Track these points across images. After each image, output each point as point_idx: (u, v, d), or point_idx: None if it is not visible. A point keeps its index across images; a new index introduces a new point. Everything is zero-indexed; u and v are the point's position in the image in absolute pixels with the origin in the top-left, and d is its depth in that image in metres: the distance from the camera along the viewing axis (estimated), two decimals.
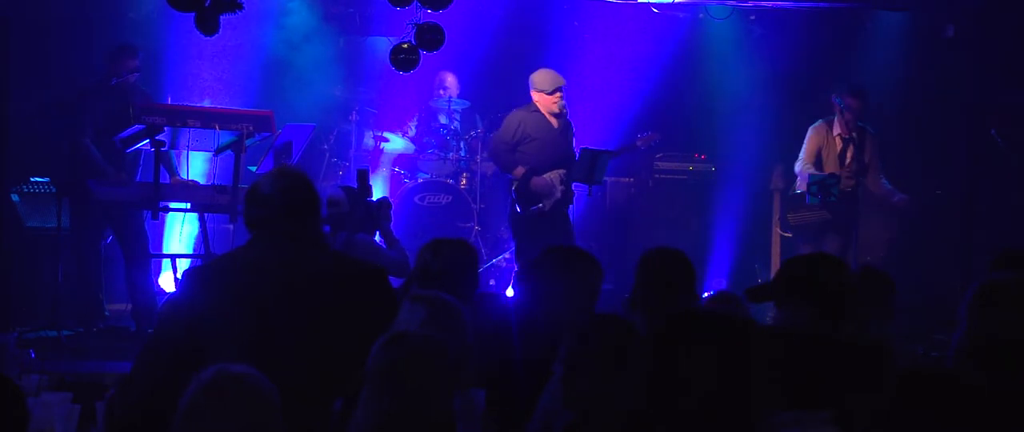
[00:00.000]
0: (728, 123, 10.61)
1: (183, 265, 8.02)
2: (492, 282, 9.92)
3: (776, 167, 9.67)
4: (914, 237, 9.76)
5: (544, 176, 8.53)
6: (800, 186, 8.98)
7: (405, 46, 7.86)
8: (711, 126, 10.66)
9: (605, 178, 9.17)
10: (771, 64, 10.44)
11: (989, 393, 2.52)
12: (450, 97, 10.33)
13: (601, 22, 10.53)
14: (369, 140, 10.23)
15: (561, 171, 8.57)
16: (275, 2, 10.07)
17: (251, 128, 7.44)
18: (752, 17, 10.42)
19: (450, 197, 9.93)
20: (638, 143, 9.15)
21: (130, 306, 8.20)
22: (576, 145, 8.76)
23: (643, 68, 10.56)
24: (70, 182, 7.93)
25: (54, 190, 8.24)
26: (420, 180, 10.11)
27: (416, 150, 10.32)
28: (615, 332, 3.41)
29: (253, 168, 8.04)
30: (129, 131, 7.44)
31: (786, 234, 9.29)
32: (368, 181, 6.75)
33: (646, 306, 4.51)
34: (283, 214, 3.71)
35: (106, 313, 8.42)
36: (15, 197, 8.48)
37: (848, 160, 8.92)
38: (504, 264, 10.00)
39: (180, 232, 9.06)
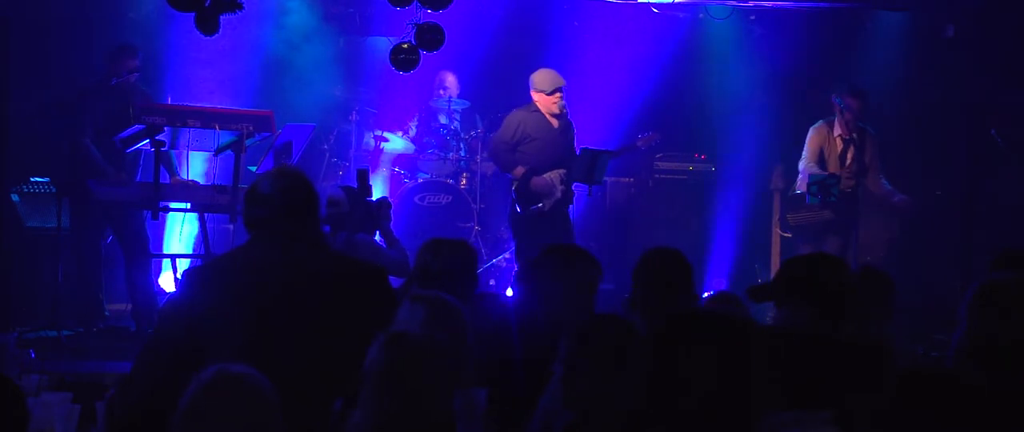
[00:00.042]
0: (728, 123, 10.61)
1: (183, 265, 8.01)
2: (492, 282, 9.92)
3: (776, 167, 9.67)
4: (914, 237, 9.76)
5: (544, 176, 8.54)
6: (800, 186, 8.98)
7: (405, 46, 7.86)
8: (711, 126, 10.66)
9: (605, 178, 9.17)
10: (771, 64, 10.44)
11: (989, 393, 2.51)
12: (450, 97, 10.33)
13: (601, 22, 10.53)
14: (369, 140, 10.23)
15: (561, 171, 8.57)
16: (275, 2, 10.07)
17: (251, 128, 7.44)
18: (752, 17, 10.42)
19: (450, 197, 9.93)
20: (639, 143, 9.15)
21: (130, 306, 8.20)
22: (578, 145, 8.77)
23: (643, 68, 10.56)
24: (70, 182, 7.93)
25: (54, 190, 8.24)
26: (420, 180, 10.11)
27: (416, 150, 10.31)
28: (615, 332, 3.41)
29: (253, 168, 8.04)
30: (129, 131, 7.44)
31: (785, 234, 9.29)
32: (368, 181, 6.75)
33: (645, 306, 4.51)
34: (283, 214, 3.71)
35: (106, 313, 8.42)
36: (15, 197, 8.48)
37: (848, 161, 8.92)
38: (504, 264, 10.00)
39: (180, 232, 9.06)
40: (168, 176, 7.99)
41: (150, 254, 8.24)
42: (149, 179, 7.62)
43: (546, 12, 10.62)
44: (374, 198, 6.76)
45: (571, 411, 3.42)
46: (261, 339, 3.53)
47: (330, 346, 3.58)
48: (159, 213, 7.56)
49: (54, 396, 4.08)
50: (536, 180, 8.52)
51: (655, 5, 10.13)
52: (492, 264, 10.01)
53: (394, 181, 10.22)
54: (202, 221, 7.82)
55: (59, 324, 7.69)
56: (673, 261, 4.65)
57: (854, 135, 8.89)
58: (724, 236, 10.33)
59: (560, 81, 8.54)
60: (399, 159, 10.32)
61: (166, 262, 8.60)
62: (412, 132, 10.47)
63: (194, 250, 8.94)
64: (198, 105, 7.90)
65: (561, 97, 8.54)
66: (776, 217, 9.46)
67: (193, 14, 7.10)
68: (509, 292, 8.62)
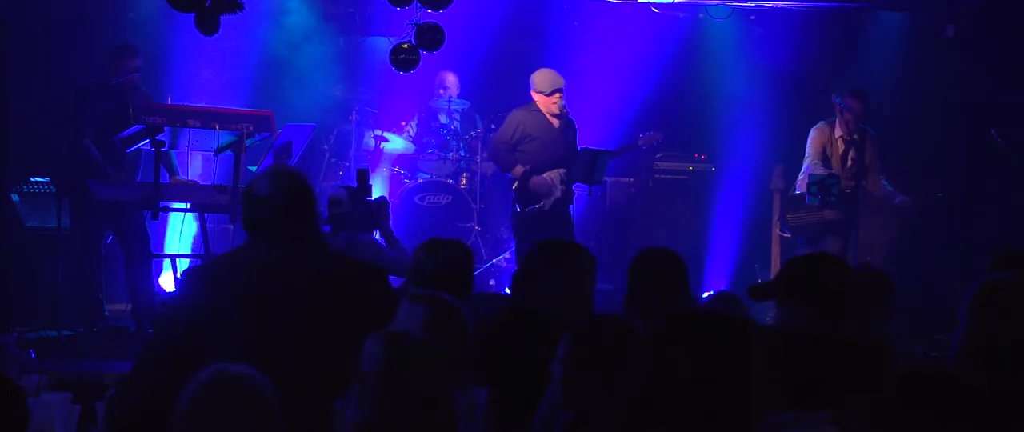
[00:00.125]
0: (728, 123, 10.61)
1: (183, 265, 8.02)
2: (492, 282, 9.92)
3: (776, 167, 9.67)
4: (914, 237, 9.76)
5: (543, 176, 8.54)
6: (801, 186, 8.98)
7: (405, 46, 7.87)
8: (711, 126, 10.66)
9: (605, 178, 9.17)
10: (771, 64, 10.44)
11: (989, 393, 2.51)
12: (450, 97, 10.33)
13: (601, 22, 10.53)
14: (369, 140, 10.23)
15: (561, 171, 8.57)
16: (275, 2, 10.06)
17: (251, 128, 7.44)
18: (752, 17, 10.42)
19: (450, 197, 9.93)
20: (640, 142, 9.15)
21: (130, 306, 8.20)
22: (579, 144, 8.77)
23: (643, 68, 10.55)
24: (70, 182, 7.92)
25: (54, 190, 8.24)
26: (420, 180, 10.10)
27: (416, 150, 10.31)
28: (615, 332, 3.41)
29: (253, 168, 8.04)
30: (129, 131, 7.44)
31: (785, 234, 9.29)
32: (368, 180, 6.75)
33: (640, 306, 4.50)
34: (282, 214, 3.70)
35: (106, 313, 8.42)
36: (15, 197, 8.48)
37: (849, 162, 8.92)
38: (504, 264, 10.00)
39: (180, 232, 9.06)
40: (168, 176, 7.99)
41: (151, 254, 8.24)
42: (149, 179, 7.62)
43: (546, 12, 10.62)
44: (372, 198, 6.77)
45: (571, 411, 3.42)
46: (261, 339, 3.53)
47: (330, 346, 3.58)
48: (159, 213, 7.56)
49: (54, 396, 4.08)
50: (535, 180, 8.52)
51: (655, 5, 10.13)
52: (492, 264, 10.01)
53: (394, 181, 10.22)
54: (202, 221, 7.82)
55: (59, 324, 7.69)
56: (667, 260, 4.65)
57: (855, 136, 8.89)
58: (724, 236, 10.33)
59: (559, 82, 8.54)
60: (399, 159, 10.32)
61: (166, 262, 8.60)
62: (412, 132, 10.47)
63: (194, 250, 8.94)
64: (198, 105, 7.90)
65: (561, 97, 8.54)
66: (776, 217, 9.46)
67: (193, 14, 7.10)
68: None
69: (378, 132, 10.16)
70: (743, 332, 2.67)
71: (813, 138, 9.02)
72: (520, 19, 10.54)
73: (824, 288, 3.69)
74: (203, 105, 7.92)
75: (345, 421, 3.18)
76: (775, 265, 9.43)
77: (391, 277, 4.64)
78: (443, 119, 10.42)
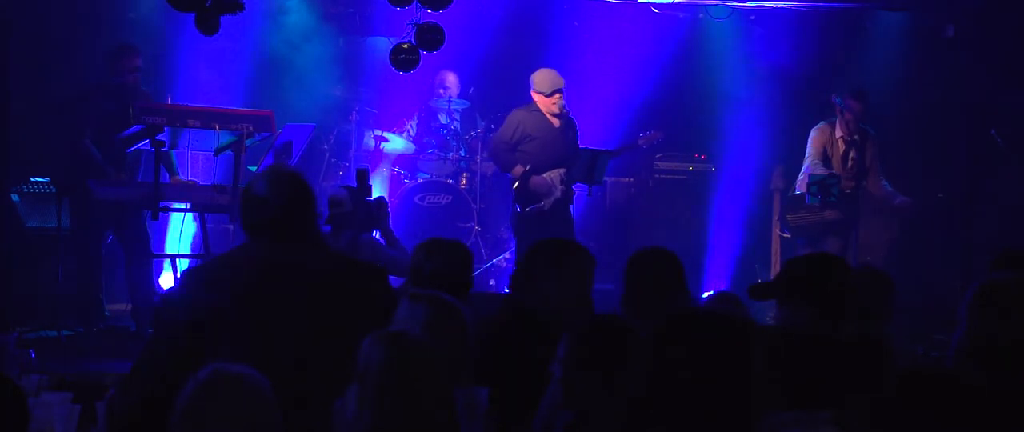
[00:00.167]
0: (728, 123, 10.61)
1: (183, 265, 8.01)
2: (492, 282, 9.92)
3: (776, 167, 9.67)
4: (914, 237, 9.77)
5: (543, 176, 8.54)
6: (801, 186, 8.98)
7: (405, 46, 7.87)
8: (711, 126, 10.66)
9: (605, 178, 9.18)
10: (771, 64, 10.44)
11: (989, 393, 2.51)
12: (450, 97, 10.33)
13: (601, 22, 10.53)
14: (369, 140, 10.23)
15: (561, 171, 8.57)
16: (275, 2, 10.07)
17: (251, 128, 7.45)
18: (752, 17, 10.42)
19: (450, 197, 9.93)
20: (640, 141, 9.15)
21: (130, 306, 8.20)
22: (580, 144, 8.77)
23: (643, 68, 10.56)
24: (70, 182, 7.92)
25: (54, 190, 8.24)
26: (420, 180, 10.10)
27: (416, 150, 10.31)
28: (615, 332, 3.41)
29: (253, 168, 8.04)
30: (129, 131, 7.44)
31: (785, 235, 9.29)
32: (368, 180, 6.75)
33: (637, 307, 4.50)
34: (280, 214, 3.70)
35: (106, 313, 8.42)
36: (15, 197, 8.48)
37: (850, 162, 8.92)
38: (504, 264, 10.00)
39: (180, 232, 9.07)
40: (168, 176, 7.99)
41: (151, 254, 8.24)
42: (149, 179, 7.62)
43: (546, 12, 10.62)
44: (371, 198, 6.77)
45: (571, 411, 3.42)
46: (260, 339, 3.53)
47: (330, 346, 3.58)
48: (159, 213, 7.56)
49: (54, 396, 4.07)
50: (535, 180, 8.52)
51: (655, 5, 10.13)
52: (492, 264, 10.01)
53: (394, 181, 10.22)
54: (202, 221, 7.82)
55: (59, 324, 7.68)
56: (663, 260, 4.64)
57: (855, 136, 8.89)
58: (724, 236, 10.33)
59: (559, 82, 8.54)
60: (399, 159, 10.32)
61: (166, 262, 8.60)
62: (412, 132, 10.47)
63: (194, 250, 8.94)
64: (198, 105, 7.90)
65: (561, 98, 8.54)
66: (776, 217, 9.46)
67: (193, 14, 7.10)
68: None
69: (378, 132, 10.16)
70: (743, 332, 2.67)
71: (814, 138, 9.02)
72: (520, 19, 10.54)
73: (824, 288, 3.70)
74: (203, 105, 7.92)
75: (345, 421, 3.18)
76: (775, 265, 9.44)
77: (391, 277, 4.63)
78: (443, 119, 10.42)
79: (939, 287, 9.28)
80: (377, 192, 8.13)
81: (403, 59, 7.89)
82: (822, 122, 9.07)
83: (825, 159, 8.94)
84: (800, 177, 9.05)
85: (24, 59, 8.50)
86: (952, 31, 9.72)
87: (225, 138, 7.44)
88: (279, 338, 3.55)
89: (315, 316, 3.62)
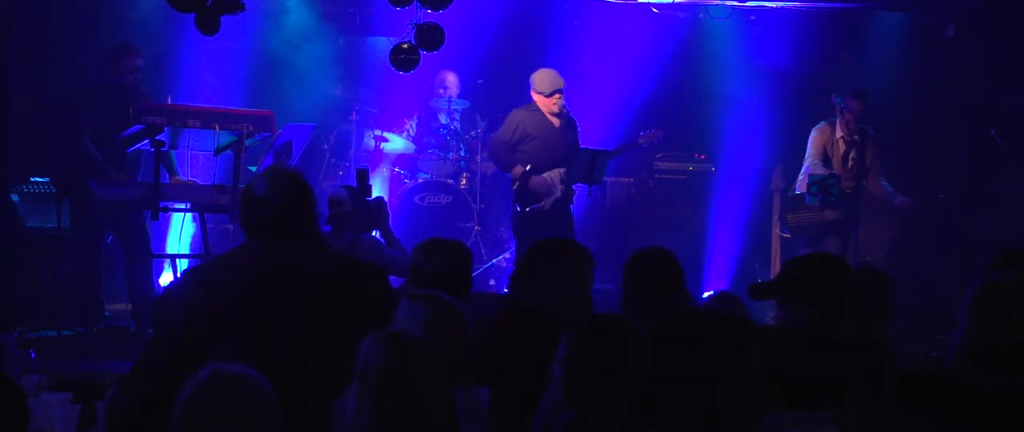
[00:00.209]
0: (728, 123, 10.61)
1: (183, 265, 8.02)
2: (492, 282, 9.92)
3: (776, 167, 9.67)
4: (914, 237, 9.77)
5: (543, 175, 8.54)
6: (801, 186, 8.98)
7: (405, 46, 7.87)
8: (711, 126, 10.66)
9: (605, 178, 9.18)
10: (771, 64, 10.44)
11: (989, 393, 2.51)
12: (450, 97, 10.33)
13: (601, 22, 10.53)
14: (369, 140, 10.23)
15: (561, 170, 8.57)
16: (275, 2, 10.07)
17: (251, 128, 7.45)
18: (752, 17, 10.42)
19: (450, 197, 9.93)
20: (640, 140, 9.15)
21: (130, 306, 8.20)
22: (581, 144, 8.77)
23: (643, 68, 10.56)
24: (70, 182, 7.92)
25: (54, 190, 8.24)
26: (420, 180, 10.10)
27: (416, 150, 10.31)
28: (615, 332, 3.41)
29: (253, 168, 8.04)
30: (129, 131, 7.44)
31: (785, 235, 9.29)
32: (368, 180, 6.75)
33: (636, 307, 4.50)
34: (280, 214, 3.70)
35: (106, 313, 8.42)
36: (15, 197, 8.48)
37: (850, 162, 8.92)
38: (504, 264, 10.00)
39: (180, 232, 9.07)
40: (168, 176, 7.99)
41: (151, 254, 8.24)
42: (149, 179, 7.62)
43: (546, 12, 10.62)
44: (371, 198, 6.77)
45: (571, 411, 3.42)
46: (260, 339, 3.53)
47: (330, 346, 3.57)
48: (159, 213, 7.56)
49: (54, 396, 4.07)
50: (535, 179, 8.52)
51: (655, 5, 10.13)
52: (492, 264, 10.01)
53: (394, 181, 10.22)
54: (202, 221, 7.82)
55: (59, 324, 7.68)
56: (661, 260, 4.64)
57: (856, 137, 8.89)
58: (724, 236, 10.33)
59: (559, 83, 8.54)
60: (399, 159, 10.32)
61: (166, 262, 8.61)
62: (412, 132, 10.47)
63: (194, 250, 8.94)
64: (198, 105, 7.90)
65: (561, 98, 8.54)
66: (776, 217, 9.46)
67: (193, 14, 7.10)
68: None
69: (378, 132, 10.16)
70: (743, 332, 2.67)
71: (814, 138, 9.02)
72: (520, 19, 10.55)
73: (824, 288, 3.70)
74: (203, 105, 7.92)
75: (345, 421, 3.18)
76: (775, 265, 9.44)
77: (391, 277, 4.63)
78: (443, 119, 10.42)
79: (939, 287, 9.29)
80: (377, 192, 8.13)
81: (403, 59, 7.89)
82: (822, 122, 9.07)
83: (825, 159, 8.94)
84: (800, 177, 9.05)
85: (24, 59, 8.50)
86: (952, 31, 9.72)
87: (225, 138, 7.44)
88: (279, 338, 3.55)
89: (315, 316, 3.62)
